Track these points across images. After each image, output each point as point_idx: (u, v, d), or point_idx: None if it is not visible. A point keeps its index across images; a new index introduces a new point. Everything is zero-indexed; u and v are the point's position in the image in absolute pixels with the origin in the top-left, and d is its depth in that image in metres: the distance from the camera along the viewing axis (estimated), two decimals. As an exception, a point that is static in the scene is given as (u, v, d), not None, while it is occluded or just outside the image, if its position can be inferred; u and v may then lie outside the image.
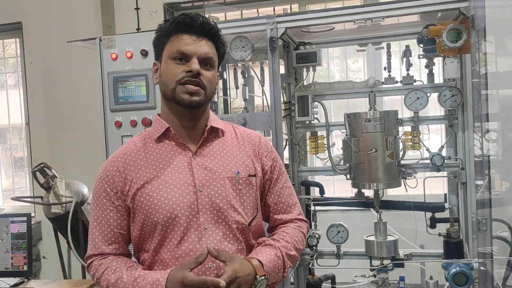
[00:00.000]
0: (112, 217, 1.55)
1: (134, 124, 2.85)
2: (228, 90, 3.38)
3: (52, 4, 4.50)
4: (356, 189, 2.78)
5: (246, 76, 3.11)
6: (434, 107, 2.92)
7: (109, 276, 1.49)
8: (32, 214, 4.29)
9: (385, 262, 2.68)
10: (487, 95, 2.29)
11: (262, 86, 3.14)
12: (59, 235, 3.45)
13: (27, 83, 4.65)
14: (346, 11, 2.58)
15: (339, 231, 2.79)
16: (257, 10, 4.30)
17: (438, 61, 2.86)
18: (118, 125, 2.87)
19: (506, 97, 2.14)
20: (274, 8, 4.35)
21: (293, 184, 2.56)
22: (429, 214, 2.70)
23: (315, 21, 2.61)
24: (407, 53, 2.79)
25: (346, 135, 2.69)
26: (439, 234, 2.67)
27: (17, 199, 3.50)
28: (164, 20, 1.57)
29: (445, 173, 2.79)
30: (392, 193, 3.39)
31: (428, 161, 2.63)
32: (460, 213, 2.77)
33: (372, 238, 2.73)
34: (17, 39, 4.82)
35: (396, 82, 2.79)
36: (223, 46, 1.60)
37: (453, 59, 2.51)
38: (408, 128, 2.74)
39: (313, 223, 2.85)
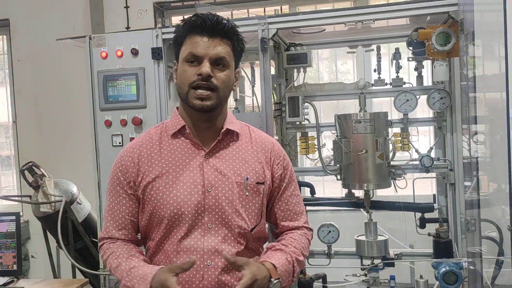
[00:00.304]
0: (125, 204, 1.60)
1: (124, 123, 2.82)
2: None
3: (40, 1, 4.46)
4: (347, 190, 2.81)
5: (237, 76, 3.11)
6: (423, 109, 2.96)
7: (112, 261, 1.58)
8: (20, 213, 4.24)
9: (376, 261, 2.71)
10: (475, 98, 2.32)
11: (253, 86, 3.16)
12: (48, 234, 3.41)
13: (14, 81, 4.59)
14: (338, 13, 2.61)
15: (329, 231, 2.81)
16: (248, 11, 4.30)
17: (427, 63, 2.89)
18: (108, 124, 2.84)
19: (494, 100, 2.16)
20: (264, 9, 4.37)
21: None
22: (418, 215, 2.73)
23: (307, 23, 2.63)
24: (396, 55, 2.83)
25: (337, 136, 2.71)
26: (429, 234, 2.71)
27: (6, 198, 3.46)
28: (182, 20, 1.58)
29: (434, 174, 2.83)
30: (382, 194, 3.42)
31: (417, 162, 2.66)
32: (449, 214, 2.81)
33: (363, 238, 2.76)
34: (4, 36, 4.76)
35: (386, 84, 2.83)
36: (240, 43, 1.59)
37: (442, 62, 2.54)
38: (397, 130, 2.77)
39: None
